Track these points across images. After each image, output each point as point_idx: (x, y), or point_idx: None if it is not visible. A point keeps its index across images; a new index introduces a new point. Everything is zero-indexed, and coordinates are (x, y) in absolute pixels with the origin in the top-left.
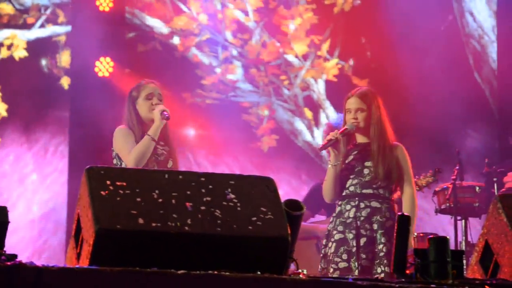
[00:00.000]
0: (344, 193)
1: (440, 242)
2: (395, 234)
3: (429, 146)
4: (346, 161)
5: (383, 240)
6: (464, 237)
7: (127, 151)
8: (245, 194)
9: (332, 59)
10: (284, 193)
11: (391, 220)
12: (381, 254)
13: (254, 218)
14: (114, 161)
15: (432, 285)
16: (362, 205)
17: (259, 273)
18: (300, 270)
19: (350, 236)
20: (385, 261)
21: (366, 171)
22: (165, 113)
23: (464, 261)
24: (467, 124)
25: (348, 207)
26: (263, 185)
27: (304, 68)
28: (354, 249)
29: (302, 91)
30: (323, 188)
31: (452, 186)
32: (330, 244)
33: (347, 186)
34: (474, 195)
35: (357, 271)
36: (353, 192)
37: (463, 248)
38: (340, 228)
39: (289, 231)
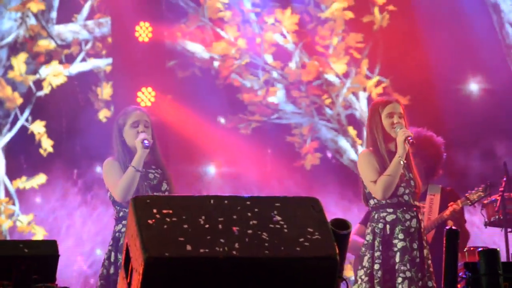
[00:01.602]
0: (396, 200)
1: (490, 254)
2: (444, 249)
3: (475, 158)
4: None
5: (430, 256)
6: None
7: (113, 184)
8: (291, 215)
9: (373, 76)
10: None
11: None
12: (431, 268)
13: (302, 239)
14: (108, 194)
15: None
16: (420, 216)
17: None
18: None
19: (414, 246)
20: (432, 276)
21: (412, 182)
22: (145, 142)
23: None
24: None
25: (407, 216)
26: (309, 206)
27: (345, 86)
28: (417, 260)
29: (345, 109)
30: (385, 183)
31: (500, 198)
32: (392, 253)
33: (399, 193)
34: None
35: (420, 282)
36: (408, 202)
37: None
38: (401, 236)
39: (337, 251)
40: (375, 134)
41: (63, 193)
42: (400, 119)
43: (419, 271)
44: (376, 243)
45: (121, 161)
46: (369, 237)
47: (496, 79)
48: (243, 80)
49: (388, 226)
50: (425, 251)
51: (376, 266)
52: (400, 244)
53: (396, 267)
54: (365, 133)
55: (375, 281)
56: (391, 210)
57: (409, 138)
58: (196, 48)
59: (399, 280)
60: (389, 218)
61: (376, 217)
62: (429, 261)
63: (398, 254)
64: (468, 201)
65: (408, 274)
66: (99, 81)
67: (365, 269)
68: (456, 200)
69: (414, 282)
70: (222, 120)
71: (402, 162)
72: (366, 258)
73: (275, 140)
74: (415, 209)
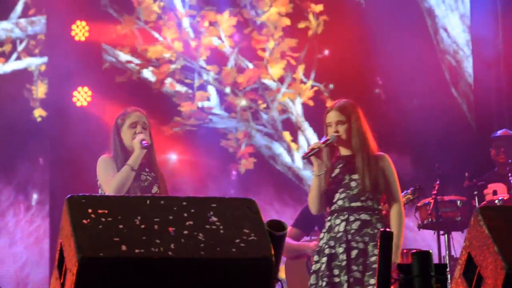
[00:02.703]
0: (332, 208)
1: (423, 256)
2: (378, 250)
3: (409, 161)
4: (332, 175)
5: (375, 252)
6: (447, 252)
7: (107, 181)
8: (227, 216)
9: (308, 81)
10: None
11: None
12: (374, 266)
13: (238, 240)
14: (99, 191)
15: None
16: (351, 218)
17: None
18: None
19: (340, 250)
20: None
21: (353, 183)
22: (144, 142)
23: (449, 275)
24: (446, 138)
25: (337, 221)
26: (245, 207)
27: (281, 91)
28: (344, 263)
29: (280, 114)
30: (308, 200)
31: (433, 201)
32: (322, 259)
33: (334, 200)
34: (456, 209)
35: (346, 284)
36: (342, 206)
37: (447, 262)
38: (331, 243)
39: (272, 252)
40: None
41: None
42: (338, 125)
43: (348, 272)
44: (316, 251)
45: (116, 160)
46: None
47: (432, 83)
48: (178, 84)
49: (324, 235)
50: (355, 252)
51: (312, 276)
52: (327, 251)
53: (323, 274)
54: (299, 137)
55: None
56: (329, 218)
57: (309, 151)
58: (130, 53)
59: (323, 284)
60: (326, 226)
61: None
62: (371, 259)
63: (326, 260)
64: None
65: (336, 279)
66: (34, 80)
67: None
68: (385, 203)
69: (340, 286)
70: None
71: (316, 176)
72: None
73: (210, 145)
74: (345, 212)
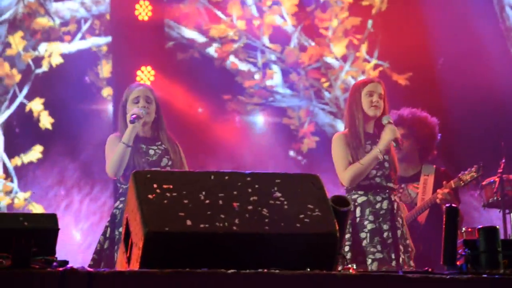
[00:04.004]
0: (368, 183)
1: (489, 232)
2: (443, 226)
3: (474, 139)
4: (366, 150)
5: (408, 235)
6: None
7: (107, 160)
8: (291, 192)
9: (372, 60)
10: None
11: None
12: (410, 248)
13: (302, 216)
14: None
15: (484, 275)
16: (392, 198)
17: (308, 270)
18: (350, 265)
19: (385, 227)
20: (411, 255)
21: (386, 164)
22: (132, 116)
23: None
24: (511, 117)
25: (378, 198)
26: (309, 183)
27: (344, 69)
28: (390, 241)
29: (343, 93)
30: (357, 170)
31: (499, 179)
32: (363, 234)
33: (371, 176)
34: None
35: (393, 262)
36: (381, 184)
37: None
38: (371, 218)
39: (337, 227)
40: (354, 113)
41: (60, 170)
42: (380, 99)
43: (392, 252)
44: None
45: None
46: None
47: (496, 62)
48: (241, 62)
49: (359, 208)
50: (399, 232)
51: (346, 248)
52: (370, 226)
53: (366, 249)
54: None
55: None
56: (362, 192)
57: (398, 139)
58: (195, 29)
59: (369, 261)
60: (360, 200)
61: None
62: (407, 241)
63: (368, 235)
64: (461, 182)
65: (378, 255)
66: (99, 60)
67: None
68: (450, 181)
69: (387, 262)
70: (221, 102)
71: (379, 157)
72: None
73: (273, 123)
74: (387, 190)
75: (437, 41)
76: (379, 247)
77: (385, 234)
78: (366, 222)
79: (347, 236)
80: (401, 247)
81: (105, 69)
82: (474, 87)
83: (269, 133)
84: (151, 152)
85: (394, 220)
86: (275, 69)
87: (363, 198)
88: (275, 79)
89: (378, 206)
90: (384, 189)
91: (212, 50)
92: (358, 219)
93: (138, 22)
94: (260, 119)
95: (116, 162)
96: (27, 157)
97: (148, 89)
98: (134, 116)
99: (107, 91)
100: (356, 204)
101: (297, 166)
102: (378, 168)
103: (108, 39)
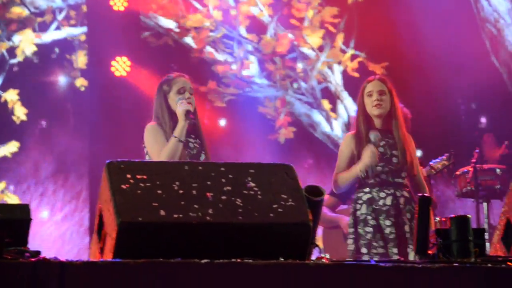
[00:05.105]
0: (373, 180)
1: (461, 221)
2: (416, 215)
3: (448, 129)
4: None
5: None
6: (486, 220)
7: (156, 151)
8: (265, 182)
9: (348, 50)
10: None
11: None
12: None
13: (275, 205)
14: (147, 157)
15: (455, 264)
16: (398, 193)
17: (282, 259)
18: (323, 255)
19: (387, 223)
20: None
21: (394, 159)
22: (191, 116)
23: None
24: (486, 107)
25: (382, 194)
26: (283, 172)
27: (320, 59)
28: (392, 236)
29: (319, 83)
30: (339, 183)
31: (472, 169)
32: (366, 229)
33: (377, 173)
34: (495, 177)
35: (395, 256)
36: (386, 180)
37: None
38: (374, 214)
39: (310, 217)
40: (358, 113)
41: (35, 161)
42: (381, 95)
43: (395, 247)
44: (351, 222)
45: (165, 127)
46: (350, 218)
47: (470, 52)
48: (218, 53)
49: (364, 206)
50: (407, 227)
51: (350, 241)
52: (372, 222)
53: (372, 243)
54: (338, 106)
55: (350, 252)
56: (367, 189)
57: (376, 163)
58: (169, 23)
59: (374, 253)
60: (365, 197)
61: (355, 197)
62: None
63: (371, 231)
64: (432, 170)
65: (380, 250)
66: (74, 50)
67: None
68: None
69: (390, 257)
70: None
71: (361, 176)
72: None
73: (249, 113)
74: (393, 187)
75: (412, 30)
76: (381, 243)
77: (387, 230)
78: (369, 218)
79: (351, 230)
80: (407, 241)
81: (80, 59)
82: (450, 77)
83: (245, 123)
84: (191, 145)
85: (398, 216)
86: (252, 59)
87: (368, 196)
88: (252, 69)
89: (381, 202)
90: (389, 185)
91: (188, 40)
92: (363, 216)
93: (113, 12)
94: (236, 109)
95: (168, 157)
96: (2, 149)
97: (188, 81)
98: (193, 118)
99: (80, 82)
100: (361, 201)
101: (274, 156)
102: (384, 165)
103: (84, 29)
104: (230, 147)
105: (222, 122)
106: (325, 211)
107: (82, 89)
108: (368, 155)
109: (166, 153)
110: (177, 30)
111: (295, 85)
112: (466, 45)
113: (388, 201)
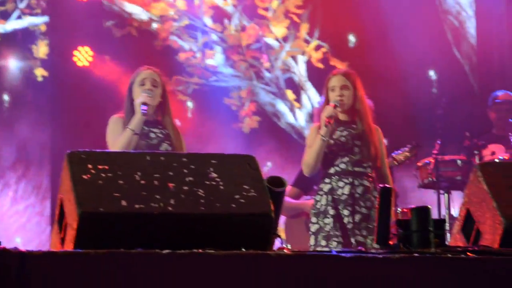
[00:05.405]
0: (332, 171)
1: (421, 211)
2: (377, 206)
3: (410, 120)
4: (334, 137)
5: (374, 218)
6: (447, 211)
7: (112, 142)
8: (227, 172)
9: (312, 40)
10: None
11: None
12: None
13: (237, 196)
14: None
15: (415, 254)
16: (356, 182)
17: (243, 250)
18: (284, 245)
19: (346, 212)
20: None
21: (356, 149)
22: (143, 108)
23: (448, 234)
24: (448, 98)
25: (341, 184)
26: (245, 163)
27: (284, 49)
28: (350, 225)
29: (283, 73)
30: (306, 161)
31: (434, 160)
32: (326, 220)
33: (337, 163)
34: (456, 168)
35: (354, 245)
36: (345, 170)
37: (447, 220)
38: (333, 204)
39: (272, 208)
40: (323, 106)
41: None
42: (344, 90)
43: (352, 237)
44: (312, 214)
45: (127, 119)
46: (311, 210)
47: (434, 44)
48: (182, 42)
49: (324, 197)
50: (358, 216)
51: (311, 236)
52: (331, 212)
53: (330, 233)
54: (302, 97)
55: (311, 247)
56: (328, 180)
57: (328, 118)
58: (134, 8)
59: (334, 244)
60: (326, 188)
61: (317, 188)
62: (373, 223)
63: (331, 221)
64: (395, 161)
65: (340, 239)
66: (35, 39)
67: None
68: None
69: (350, 246)
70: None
71: (324, 139)
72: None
73: (214, 103)
74: (352, 176)
75: (376, 21)
76: (340, 232)
77: (346, 220)
78: (329, 208)
79: (312, 223)
80: (363, 231)
81: (42, 49)
82: (412, 70)
83: (210, 113)
84: (152, 135)
85: (355, 205)
86: (217, 49)
87: (328, 186)
88: (217, 59)
89: (339, 192)
90: (349, 174)
91: (152, 29)
92: (323, 207)
93: (75, 1)
94: (201, 99)
95: (121, 148)
96: None
97: (155, 72)
98: (145, 108)
99: (40, 71)
100: (322, 192)
101: (238, 146)
102: (343, 154)
103: (45, 18)
104: (194, 136)
105: (187, 111)
106: (287, 199)
107: (40, 79)
108: (323, 114)
109: (119, 144)
110: (142, 17)
111: (259, 75)
112: (428, 37)
113: (346, 190)
